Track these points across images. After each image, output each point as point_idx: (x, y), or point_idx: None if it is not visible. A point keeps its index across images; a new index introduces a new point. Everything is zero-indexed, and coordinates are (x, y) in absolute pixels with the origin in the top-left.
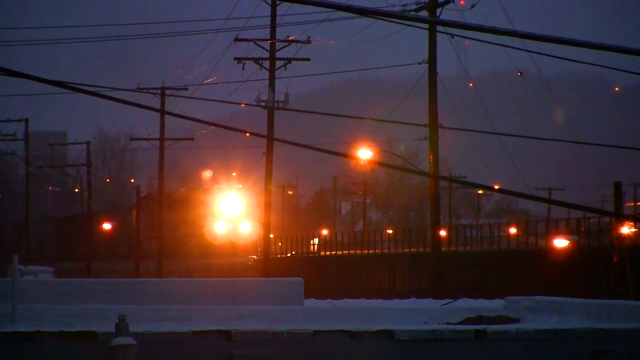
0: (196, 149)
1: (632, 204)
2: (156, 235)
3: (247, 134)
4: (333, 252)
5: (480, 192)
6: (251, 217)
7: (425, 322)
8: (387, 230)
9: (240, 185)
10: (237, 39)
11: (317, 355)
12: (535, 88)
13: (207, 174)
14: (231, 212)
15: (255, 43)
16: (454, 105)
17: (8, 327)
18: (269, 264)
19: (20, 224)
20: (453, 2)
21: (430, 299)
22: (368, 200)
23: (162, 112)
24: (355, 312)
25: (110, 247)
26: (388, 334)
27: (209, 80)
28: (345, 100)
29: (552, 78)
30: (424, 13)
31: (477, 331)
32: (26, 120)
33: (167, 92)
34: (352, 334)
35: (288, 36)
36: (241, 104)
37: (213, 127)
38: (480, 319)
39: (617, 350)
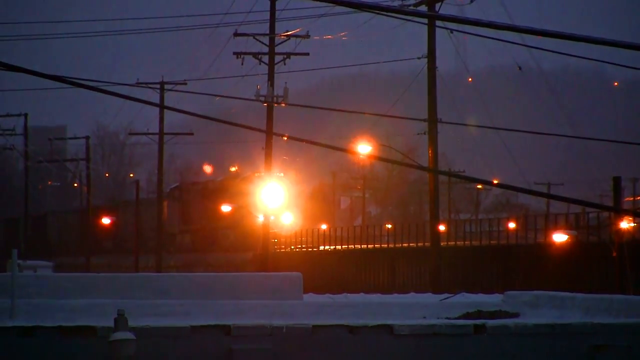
0: (197, 144)
1: (632, 198)
2: (189, 228)
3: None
4: (332, 247)
5: (479, 186)
6: (293, 208)
7: (425, 317)
8: (386, 225)
9: (282, 174)
10: (236, 34)
11: (316, 350)
12: (534, 82)
13: (207, 168)
14: (273, 202)
15: (254, 38)
16: (453, 100)
17: (7, 322)
18: (268, 258)
19: (35, 217)
20: None
21: (429, 293)
22: (367, 195)
23: (162, 106)
24: (355, 306)
25: (134, 241)
26: (387, 329)
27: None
28: (344, 95)
29: (551, 72)
30: (423, 8)
31: (476, 326)
32: (25, 115)
33: (166, 86)
34: (351, 329)
35: (287, 31)
36: (240, 98)
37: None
38: (479, 314)
39: (616, 345)
